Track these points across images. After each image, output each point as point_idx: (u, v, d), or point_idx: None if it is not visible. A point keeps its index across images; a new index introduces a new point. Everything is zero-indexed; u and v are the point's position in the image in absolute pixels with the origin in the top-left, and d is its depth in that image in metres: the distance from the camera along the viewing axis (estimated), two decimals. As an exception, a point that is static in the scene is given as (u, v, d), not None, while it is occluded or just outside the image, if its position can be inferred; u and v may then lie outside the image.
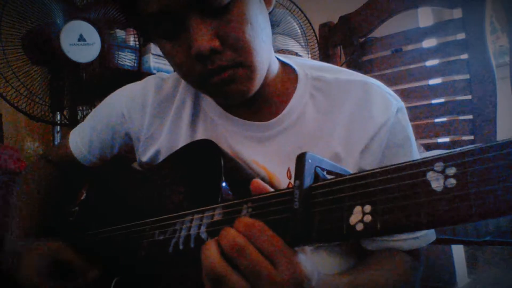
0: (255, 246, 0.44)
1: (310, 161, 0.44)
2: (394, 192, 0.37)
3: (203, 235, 0.56)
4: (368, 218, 0.37)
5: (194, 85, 0.73)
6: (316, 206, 0.42)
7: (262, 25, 0.67)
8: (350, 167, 0.71)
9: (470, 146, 0.33)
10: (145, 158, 0.85)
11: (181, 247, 0.58)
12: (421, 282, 0.76)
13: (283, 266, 0.44)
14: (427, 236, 0.75)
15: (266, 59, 0.70)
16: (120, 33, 1.76)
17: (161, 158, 0.82)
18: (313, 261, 0.49)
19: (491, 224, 1.20)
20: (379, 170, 0.39)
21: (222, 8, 0.61)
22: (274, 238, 0.44)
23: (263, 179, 0.74)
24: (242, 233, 0.44)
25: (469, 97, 1.51)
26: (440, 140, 1.65)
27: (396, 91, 0.78)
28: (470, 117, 1.51)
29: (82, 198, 0.99)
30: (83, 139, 0.91)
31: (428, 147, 1.63)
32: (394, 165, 0.38)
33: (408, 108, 1.59)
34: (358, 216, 0.38)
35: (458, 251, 2.16)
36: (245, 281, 0.44)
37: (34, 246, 0.78)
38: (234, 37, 0.62)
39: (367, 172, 0.40)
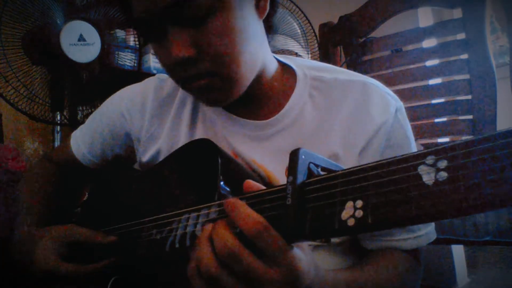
0: (250, 246, 0.44)
1: (303, 157, 0.44)
2: (385, 186, 0.37)
3: (199, 233, 0.56)
4: (359, 213, 0.37)
5: (180, 87, 0.74)
6: (309, 202, 0.42)
7: (247, 36, 0.67)
8: (349, 166, 0.71)
9: (462, 139, 0.33)
10: (145, 158, 0.85)
11: (177, 245, 0.58)
12: (421, 282, 0.76)
13: (278, 264, 0.44)
14: (427, 235, 0.74)
15: (249, 68, 0.70)
16: (120, 33, 1.77)
17: (162, 158, 0.82)
18: (313, 257, 0.49)
19: (491, 224, 1.20)
20: (371, 165, 0.39)
21: (201, 18, 0.62)
22: (272, 235, 0.43)
23: (262, 178, 0.74)
24: (240, 228, 0.44)
25: (469, 97, 1.51)
26: (440, 140, 1.65)
27: (396, 91, 0.78)
28: (470, 117, 1.51)
29: (84, 198, 0.99)
30: (84, 140, 0.91)
31: (428, 147, 1.62)
32: (386, 159, 0.38)
33: (408, 108, 1.60)
34: (350, 211, 0.38)
35: (458, 251, 2.15)
36: (239, 284, 0.44)
37: (49, 230, 0.78)
38: (209, 48, 0.63)
39: (359, 167, 0.40)
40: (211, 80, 0.66)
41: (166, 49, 0.64)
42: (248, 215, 0.44)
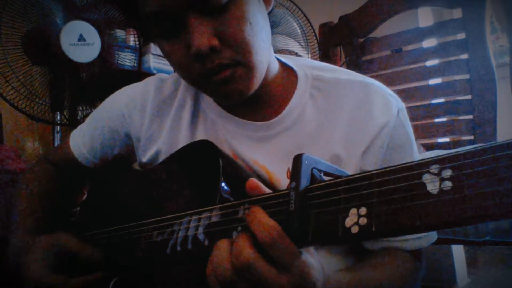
0: (266, 255, 0.44)
1: (306, 162, 0.44)
2: (389, 194, 0.37)
3: (201, 236, 0.56)
4: (363, 220, 0.37)
5: (193, 85, 0.73)
6: (312, 208, 0.42)
7: (261, 25, 0.67)
8: (351, 168, 0.71)
9: (466, 148, 0.33)
10: (145, 158, 0.85)
11: (178, 248, 0.58)
12: (421, 282, 0.76)
13: (290, 272, 0.44)
14: (429, 236, 0.74)
15: (265, 58, 0.70)
16: (120, 33, 1.77)
17: (161, 158, 0.82)
18: (320, 262, 0.49)
19: (491, 224, 1.20)
20: (375, 172, 0.39)
21: (221, 7, 0.61)
22: (286, 242, 0.43)
23: (263, 179, 0.74)
24: (255, 235, 0.44)
25: (469, 97, 1.51)
26: (440, 140, 1.65)
27: (396, 91, 0.78)
28: (470, 117, 1.51)
29: (84, 198, 0.99)
30: (84, 140, 0.91)
31: (428, 147, 1.63)
32: (390, 167, 0.38)
33: (408, 108, 1.58)
34: (354, 218, 0.38)
35: (458, 251, 2.16)
36: None
37: (39, 240, 0.78)
38: (233, 35, 0.63)
39: (363, 174, 0.40)
40: (234, 70, 0.65)
41: (184, 43, 0.63)
42: (264, 223, 0.44)
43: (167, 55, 0.68)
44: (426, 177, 0.35)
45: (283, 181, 0.74)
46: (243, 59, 0.64)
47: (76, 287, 0.72)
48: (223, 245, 0.47)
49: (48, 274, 0.73)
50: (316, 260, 0.47)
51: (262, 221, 0.44)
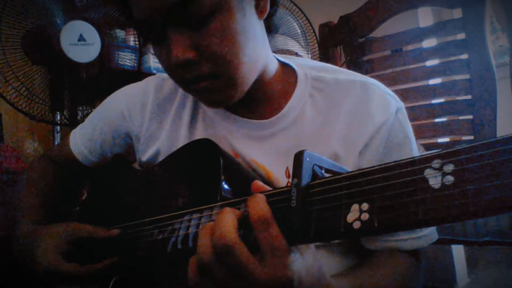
0: (249, 240, 0.44)
1: (308, 159, 0.44)
2: (391, 189, 0.36)
3: None
4: (365, 216, 0.37)
5: (180, 88, 0.75)
6: (314, 204, 0.42)
7: (248, 36, 0.66)
8: (349, 167, 0.71)
9: (468, 144, 0.33)
10: (145, 157, 0.85)
11: (179, 246, 0.58)
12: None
13: (272, 264, 0.43)
14: (428, 236, 0.74)
15: (251, 70, 0.69)
16: (120, 33, 1.77)
17: (161, 158, 0.82)
18: (319, 264, 0.49)
19: (491, 224, 1.20)
20: (376, 167, 0.39)
21: (202, 20, 0.61)
22: (275, 230, 0.43)
23: (262, 178, 0.74)
24: (250, 212, 0.44)
25: (469, 97, 1.51)
26: (440, 140, 1.65)
27: (396, 91, 0.78)
28: (470, 117, 1.51)
29: (83, 198, 0.99)
30: (84, 139, 0.91)
31: (428, 147, 1.63)
32: (391, 162, 0.38)
33: (408, 108, 1.60)
34: (356, 214, 0.38)
35: (458, 251, 2.16)
36: (229, 276, 0.44)
37: (47, 228, 0.78)
38: (211, 50, 0.63)
39: (364, 170, 0.40)
40: (212, 82, 0.66)
41: (166, 51, 0.64)
42: (261, 204, 0.44)
43: (157, 58, 0.70)
44: (428, 172, 0.35)
45: (282, 180, 0.74)
46: (222, 73, 0.65)
47: (87, 275, 0.72)
48: (208, 229, 0.47)
49: (60, 262, 0.73)
50: (307, 260, 0.47)
51: (260, 202, 0.44)
